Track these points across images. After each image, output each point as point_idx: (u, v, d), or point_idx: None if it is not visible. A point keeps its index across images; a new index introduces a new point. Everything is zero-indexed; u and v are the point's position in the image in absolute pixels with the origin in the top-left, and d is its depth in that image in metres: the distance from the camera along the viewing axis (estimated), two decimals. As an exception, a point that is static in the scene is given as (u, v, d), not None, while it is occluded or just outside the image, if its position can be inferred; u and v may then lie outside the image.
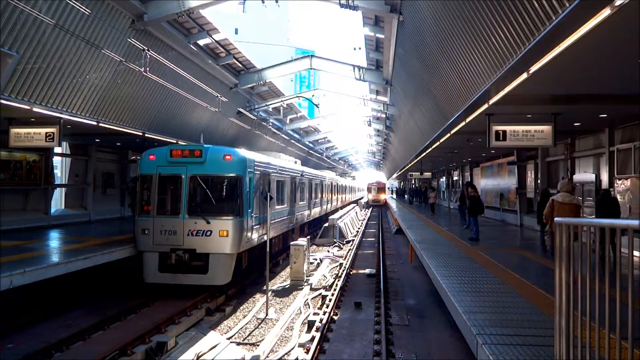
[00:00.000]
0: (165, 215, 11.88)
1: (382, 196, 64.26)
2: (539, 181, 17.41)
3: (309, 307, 11.62)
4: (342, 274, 14.96)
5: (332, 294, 12.11)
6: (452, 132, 14.35)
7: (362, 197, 74.00)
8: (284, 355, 8.47)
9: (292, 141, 33.06)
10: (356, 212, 40.55)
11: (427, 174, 37.79)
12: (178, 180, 11.95)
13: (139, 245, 11.88)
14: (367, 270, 15.70)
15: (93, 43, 10.96)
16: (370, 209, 56.77)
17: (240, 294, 13.03)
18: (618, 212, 10.34)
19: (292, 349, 8.69)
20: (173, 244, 11.60)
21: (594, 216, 13.17)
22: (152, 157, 12.17)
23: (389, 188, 76.16)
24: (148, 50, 11.88)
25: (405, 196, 58.78)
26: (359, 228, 32.39)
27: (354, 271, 16.15)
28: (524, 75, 7.41)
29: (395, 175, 56.32)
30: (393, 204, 44.92)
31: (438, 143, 17.71)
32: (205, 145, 12.20)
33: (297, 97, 27.93)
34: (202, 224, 11.59)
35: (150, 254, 11.70)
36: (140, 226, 11.85)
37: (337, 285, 13.20)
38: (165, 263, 11.61)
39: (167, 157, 12.04)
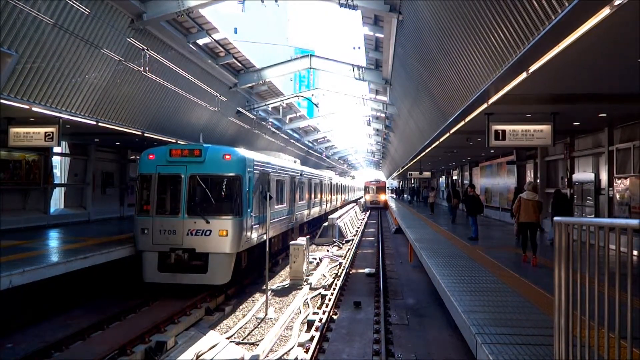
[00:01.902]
0: (165, 215, 11.87)
1: (382, 197, 55.89)
2: (538, 180, 17.41)
3: (309, 307, 11.62)
4: (341, 273, 14.96)
5: (332, 294, 12.11)
6: (452, 131, 14.36)
7: (361, 197, 72.00)
8: (283, 355, 8.47)
9: (292, 140, 33.06)
10: (355, 212, 40.55)
11: (427, 174, 37.80)
12: (177, 179, 11.95)
13: (138, 245, 11.87)
14: (367, 270, 15.70)
15: (92, 43, 10.95)
16: (368, 212, 50.76)
17: (240, 293, 13.03)
18: (570, 209, 12.06)
19: (292, 348, 8.69)
20: (172, 243, 11.60)
21: (592, 215, 13.22)
22: (151, 156, 12.16)
23: (388, 187, 66.70)
24: (147, 49, 11.88)
25: (405, 195, 58.80)
26: (358, 227, 32.40)
27: (354, 271, 16.15)
28: (523, 75, 7.41)
29: (395, 174, 56.22)
30: (392, 203, 44.82)
31: (437, 142, 17.72)
32: (204, 145, 12.19)
33: (296, 96, 27.93)
34: (202, 223, 11.58)
35: (150, 254, 11.70)
36: (139, 225, 11.85)
37: (336, 284, 13.20)
38: (164, 262, 11.61)
39: (166, 157, 12.03)
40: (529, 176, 18.70)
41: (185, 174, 11.88)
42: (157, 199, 11.96)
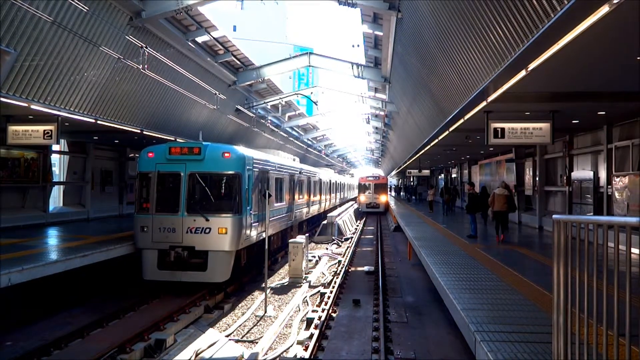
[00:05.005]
0: (164, 213, 11.87)
1: (383, 197, 41.11)
2: (537, 178, 17.43)
3: (308, 305, 11.63)
4: (340, 271, 14.98)
5: (331, 292, 12.13)
6: (451, 129, 14.36)
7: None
8: (282, 353, 8.48)
9: (291, 139, 33.03)
10: (355, 210, 40.54)
11: (426, 172, 37.78)
12: (177, 177, 11.95)
13: (138, 243, 11.88)
14: (366, 268, 15.72)
15: (91, 40, 10.92)
16: (364, 219, 37.42)
17: (239, 291, 13.05)
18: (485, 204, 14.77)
19: (291, 346, 8.71)
20: (172, 241, 11.60)
21: (591, 213, 13.23)
22: (150, 154, 12.16)
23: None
24: (146, 47, 11.84)
25: (402, 193, 58.60)
26: (357, 226, 32.41)
27: (353, 268, 16.17)
28: (522, 73, 7.41)
29: (393, 172, 55.95)
30: (391, 202, 44.58)
31: (437, 140, 17.72)
32: (204, 143, 12.20)
33: (295, 94, 27.89)
34: (201, 221, 11.59)
35: (150, 252, 11.71)
36: (139, 223, 11.86)
37: (335, 282, 13.22)
38: (164, 260, 11.61)
39: (166, 155, 12.04)
40: (528, 174, 18.73)
41: (184, 172, 11.89)
42: (157, 197, 11.96)
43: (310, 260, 16.86)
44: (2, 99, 9.99)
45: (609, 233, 2.99)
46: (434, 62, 11.75)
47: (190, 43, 14.79)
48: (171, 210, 11.86)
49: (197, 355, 8.14)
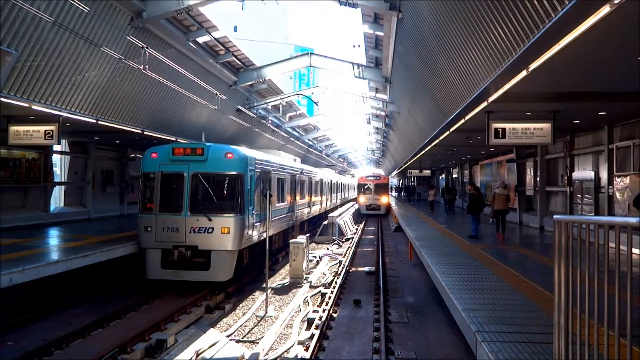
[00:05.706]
0: (168, 213, 11.91)
1: (384, 199, 38.59)
2: (538, 179, 17.43)
3: (309, 305, 11.64)
4: (341, 271, 14.98)
5: (332, 292, 12.13)
6: (452, 129, 14.37)
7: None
8: (283, 353, 8.49)
9: (292, 139, 33.03)
10: (355, 210, 40.51)
11: (427, 172, 37.73)
12: (180, 178, 12.00)
13: (141, 243, 11.91)
14: (367, 268, 15.71)
15: (92, 41, 10.93)
16: (364, 221, 35.28)
17: (240, 291, 13.05)
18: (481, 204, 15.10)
19: (292, 346, 8.71)
20: (175, 240, 11.65)
21: (592, 214, 13.23)
22: (154, 155, 12.23)
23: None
24: (147, 47, 11.85)
25: (402, 194, 58.62)
26: (358, 226, 32.39)
27: (353, 269, 16.16)
28: (523, 73, 7.41)
29: (394, 173, 55.90)
30: (392, 202, 44.45)
31: (437, 141, 17.72)
32: (207, 144, 12.25)
33: (296, 94, 27.88)
34: (204, 221, 11.64)
35: (153, 251, 11.75)
36: (142, 223, 11.91)
37: (336, 282, 13.22)
38: (167, 260, 11.67)
39: (169, 155, 12.10)
40: (529, 174, 18.72)
41: (187, 172, 11.94)
42: (160, 197, 12.01)
43: (311, 261, 16.86)
44: (3, 100, 10.01)
45: (610, 233, 2.99)
46: (434, 62, 11.75)
47: (191, 43, 14.80)
48: (174, 210, 11.91)
49: (198, 355, 8.15)
